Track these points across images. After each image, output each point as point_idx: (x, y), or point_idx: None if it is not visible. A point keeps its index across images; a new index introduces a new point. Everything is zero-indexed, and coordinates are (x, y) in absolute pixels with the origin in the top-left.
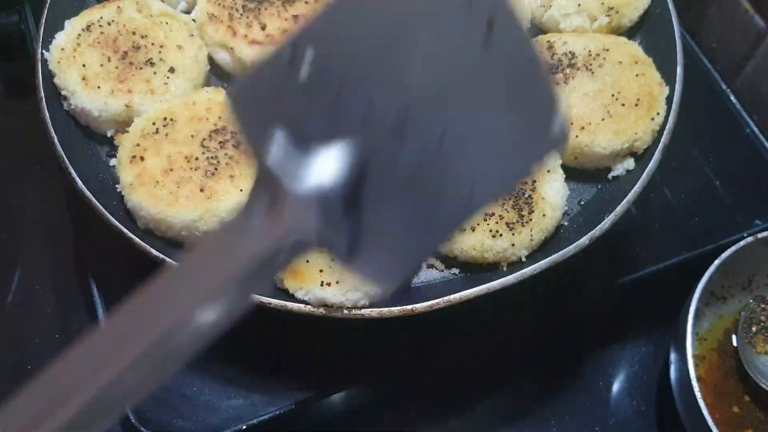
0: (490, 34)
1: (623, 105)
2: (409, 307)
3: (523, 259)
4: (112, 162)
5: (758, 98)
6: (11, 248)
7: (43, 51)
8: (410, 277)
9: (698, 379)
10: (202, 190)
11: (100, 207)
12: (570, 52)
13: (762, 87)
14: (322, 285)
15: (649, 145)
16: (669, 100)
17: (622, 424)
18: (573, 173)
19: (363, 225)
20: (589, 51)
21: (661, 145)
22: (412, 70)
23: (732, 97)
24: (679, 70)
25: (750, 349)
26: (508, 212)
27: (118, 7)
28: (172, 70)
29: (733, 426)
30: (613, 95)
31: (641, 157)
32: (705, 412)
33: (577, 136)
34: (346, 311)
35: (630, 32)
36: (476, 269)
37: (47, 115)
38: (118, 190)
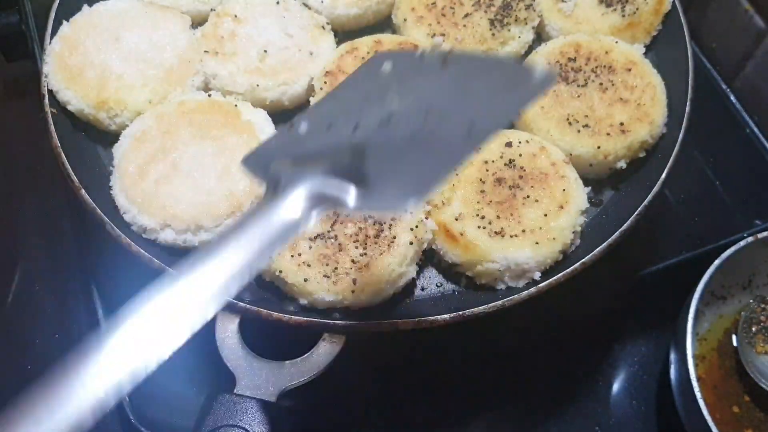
0: (446, 59)
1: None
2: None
3: (537, 278)
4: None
5: (758, 98)
6: (11, 248)
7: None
8: (427, 193)
9: (698, 379)
10: None
11: (99, 211)
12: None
13: (762, 87)
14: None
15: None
16: (679, 116)
17: (622, 424)
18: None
19: (370, 178)
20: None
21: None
22: (389, 103)
23: (732, 97)
24: (690, 79)
25: (750, 349)
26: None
27: None
28: None
29: (733, 426)
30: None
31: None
32: (705, 412)
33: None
34: (365, 324)
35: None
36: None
37: (48, 115)
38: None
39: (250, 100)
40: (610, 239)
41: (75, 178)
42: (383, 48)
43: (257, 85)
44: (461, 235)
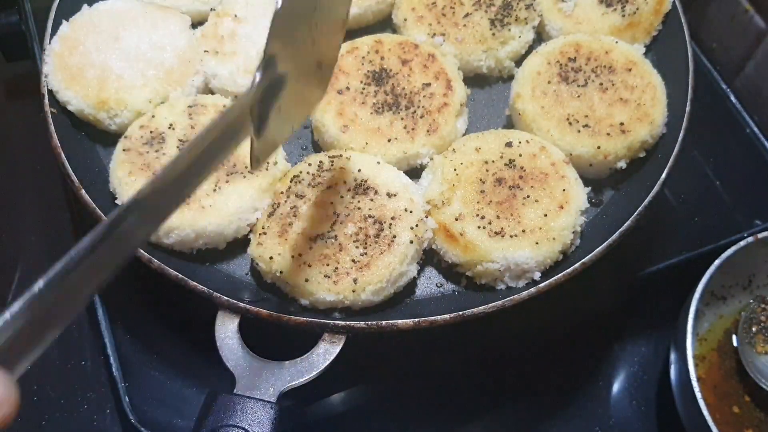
0: None
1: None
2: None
3: (537, 278)
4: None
5: (758, 98)
6: (11, 248)
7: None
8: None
9: (698, 379)
10: None
11: (99, 211)
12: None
13: (762, 87)
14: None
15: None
16: (679, 116)
17: (622, 424)
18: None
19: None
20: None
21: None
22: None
23: (732, 97)
24: (690, 79)
25: (750, 349)
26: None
27: None
28: None
29: (733, 426)
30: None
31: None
32: (705, 412)
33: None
34: (365, 324)
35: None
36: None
37: (48, 114)
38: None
39: None
40: (610, 239)
41: (75, 178)
42: (383, 47)
43: None
44: (461, 235)
